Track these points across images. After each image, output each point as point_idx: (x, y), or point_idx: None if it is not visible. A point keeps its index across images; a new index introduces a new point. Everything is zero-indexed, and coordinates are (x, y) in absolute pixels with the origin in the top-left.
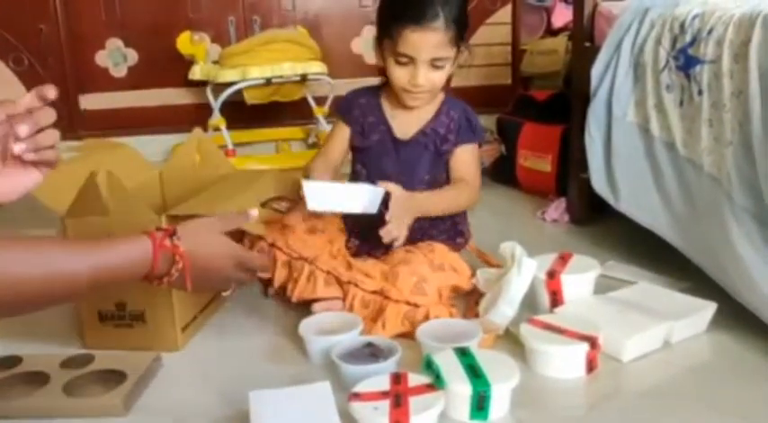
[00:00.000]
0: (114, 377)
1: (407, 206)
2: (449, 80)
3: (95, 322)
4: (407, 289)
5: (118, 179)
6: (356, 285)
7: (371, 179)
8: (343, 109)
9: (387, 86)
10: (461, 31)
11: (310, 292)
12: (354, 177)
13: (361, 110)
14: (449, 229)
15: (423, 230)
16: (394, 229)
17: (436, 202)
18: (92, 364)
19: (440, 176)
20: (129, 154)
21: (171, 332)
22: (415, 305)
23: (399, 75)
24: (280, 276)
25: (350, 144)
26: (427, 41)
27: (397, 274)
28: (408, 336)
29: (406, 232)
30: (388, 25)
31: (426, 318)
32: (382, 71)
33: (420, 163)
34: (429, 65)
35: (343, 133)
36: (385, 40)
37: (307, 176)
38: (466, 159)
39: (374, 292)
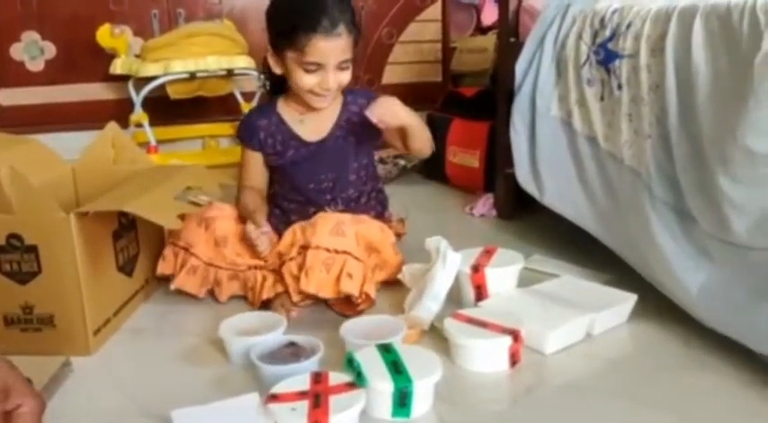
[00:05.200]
0: None
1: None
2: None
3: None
4: (326, 231)
5: (22, 175)
6: (289, 260)
7: (302, 190)
8: (246, 136)
9: (283, 98)
10: (357, 31)
11: (261, 295)
12: (277, 194)
13: (266, 132)
14: (374, 198)
15: (351, 200)
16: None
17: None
18: None
19: (368, 163)
20: (38, 149)
21: (82, 336)
22: (335, 251)
23: (308, 80)
24: (231, 288)
25: (266, 165)
26: (334, 48)
27: (316, 222)
28: (330, 291)
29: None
30: (290, 37)
31: (342, 269)
32: (275, 82)
33: (347, 154)
34: (337, 68)
35: (257, 158)
36: (287, 51)
37: (246, 213)
38: None
39: (300, 250)
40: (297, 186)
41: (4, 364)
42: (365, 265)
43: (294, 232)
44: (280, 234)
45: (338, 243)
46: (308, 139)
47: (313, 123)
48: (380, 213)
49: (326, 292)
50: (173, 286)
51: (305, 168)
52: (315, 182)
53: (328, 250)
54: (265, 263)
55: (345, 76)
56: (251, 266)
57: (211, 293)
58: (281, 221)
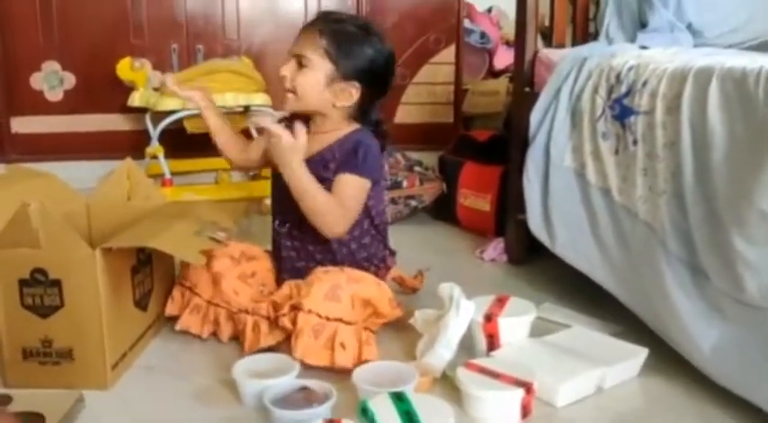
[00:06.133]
0: (33, 419)
1: (294, 152)
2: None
3: (18, 359)
4: (320, 295)
5: (50, 211)
6: (282, 316)
7: (276, 190)
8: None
9: None
10: (340, 56)
11: (257, 342)
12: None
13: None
14: (373, 255)
15: (348, 256)
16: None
17: (309, 188)
18: (9, 405)
19: None
20: (54, 182)
21: (101, 370)
22: (326, 318)
23: None
24: (227, 330)
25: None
26: (298, 38)
27: (312, 282)
28: (317, 359)
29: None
30: None
31: (332, 338)
32: None
33: None
34: (296, 61)
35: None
36: None
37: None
38: (341, 186)
39: (291, 308)
40: (275, 197)
41: None
42: (358, 327)
43: (290, 287)
44: (279, 258)
45: (331, 309)
46: None
47: (310, 141)
48: (376, 266)
49: (313, 360)
50: (177, 327)
51: (282, 180)
52: (283, 200)
53: (320, 316)
54: (257, 304)
55: (302, 78)
56: (242, 309)
57: (215, 334)
58: (276, 247)
